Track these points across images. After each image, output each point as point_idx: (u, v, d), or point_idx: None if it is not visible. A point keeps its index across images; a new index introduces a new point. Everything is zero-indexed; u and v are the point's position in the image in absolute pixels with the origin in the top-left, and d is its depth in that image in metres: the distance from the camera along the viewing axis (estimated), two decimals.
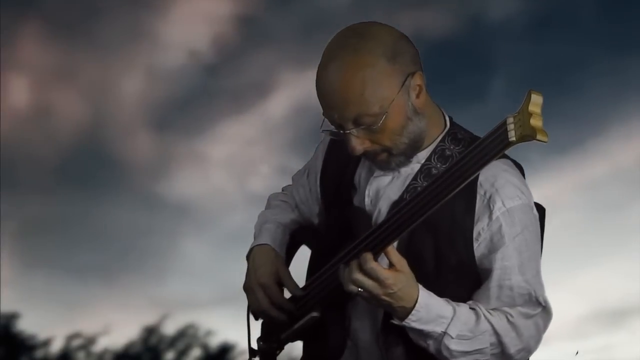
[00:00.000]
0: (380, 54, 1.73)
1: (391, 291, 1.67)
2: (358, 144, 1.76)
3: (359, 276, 1.69)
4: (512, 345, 1.78)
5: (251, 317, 2.03)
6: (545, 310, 1.82)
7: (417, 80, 1.77)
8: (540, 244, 1.85)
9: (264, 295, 1.93)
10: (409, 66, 1.76)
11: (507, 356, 1.79)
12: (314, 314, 1.88)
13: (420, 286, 1.71)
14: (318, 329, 1.89)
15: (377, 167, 1.84)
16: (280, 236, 2.04)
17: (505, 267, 1.76)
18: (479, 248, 1.77)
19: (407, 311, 1.70)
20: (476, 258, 1.77)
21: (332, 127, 1.82)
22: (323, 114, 1.79)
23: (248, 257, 2.02)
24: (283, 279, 1.95)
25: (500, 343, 1.77)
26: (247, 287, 1.98)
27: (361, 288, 1.69)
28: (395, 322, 1.72)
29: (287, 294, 1.96)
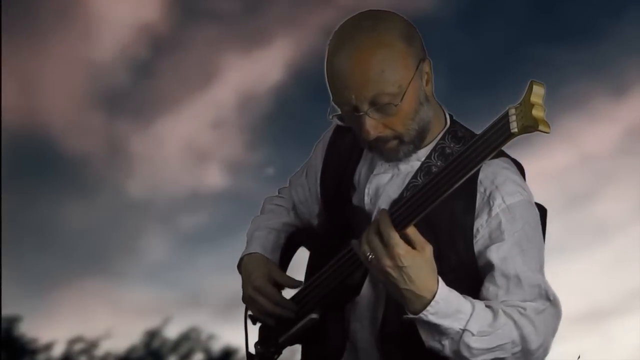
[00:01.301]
0: (397, 35, 1.72)
1: (400, 264, 1.58)
2: (372, 127, 1.73)
3: (373, 237, 1.62)
4: (533, 340, 1.69)
5: (249, 321, 2.01)
6: (553, 305, 1.75)
7: (427, 67, 1.76)
8: (542, 240, 1.81)
9: (263, 298, 1.91)
10: (420, 52, 1.76)
11: (528, 353, 1.70)
12: (313, 315, 1.85)
13: (440, 278, 1.63)
14: (317, 332, 1.86)
15: (384, 157, 1.81)
16: (272, 241, 2.01)
17: (506, 259, 1.71)
18: (477, 244, 1.73)
19: (422, 302, 1.61)
20: (475, 254, 1.73)
21: (340, 120, 1.80)
22: (333, 100, 1.76)
23: (239, 267, 2.00)
24: (277, 279, 1.93)
25: (521, 337, 1.68)
26: (245, 297, 1.95)
27: (372, 251, 1.61)
28: (410, 316, 1.63)
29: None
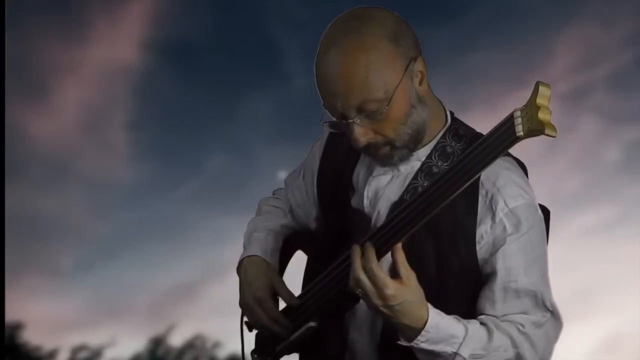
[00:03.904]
0: (382, 36, 1.65)
1: (391, 304, 1.57)
2: (362, 134, 1.67)
3: (362, 275, 1.58)
4: (530, 358, 1.68)
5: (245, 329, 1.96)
6: (554, 317, 1.73)
7: (419, 66, 1.69)
8: (546, 246, 1.76)
9: (261, 311, 1.86)
10: (411, 50, 1.69)
11: None
12: (312, 324, 1.80)
13: (429, 305, 1.61)
14: (315, 340, 1.81)
15: (379, 162, 1.76)
16: (271, 244, 1.96)
17: (510, 269, 1.68)
18: (481, 251, 1.68)
19: (414, 332, 1.60)
20: (479, 261, 1.69)
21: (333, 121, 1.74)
22: (324, 105, 1.70)
23: (238, 270, 1.95)
24: (278, 290, 1.88)
25: (517, 356, 1.67)
26: (242, 304, 1.90)
27: (362, 290, 1.59)
28: (403, 343, 1.62)
29: (281, 304, 1.90)
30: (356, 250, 1.61)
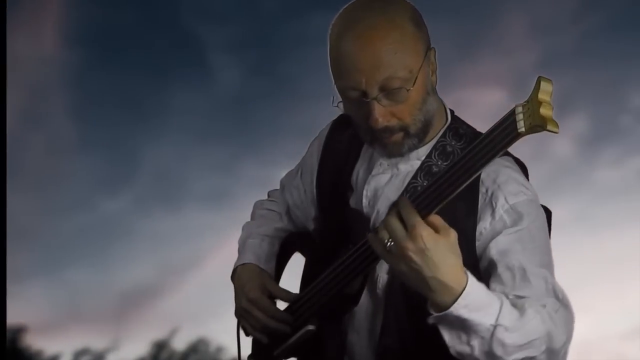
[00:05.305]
0: (408, 18, 1.64)
1: (422, 246, 1.42)
2: (381, 114, 1.63)
3: (393, 219, 1.46)
4: (557, 339, 1.55)
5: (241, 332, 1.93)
6: (564, 306, 1.60)
7: (432, 57, 1.68)
8: (549, 242, 1.69)
9: (258, 310, 1.83)
10: (428, 39, 1.68)
11: (552, 352, 1.55)
12: (310, 327, 1.77)
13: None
14: (313, 344, 1.78)
15: (387, 152, 1.71)
16: (266, 250, 1.93)
17: (506, 252, 1.58)
18: (479, 248, 1.63)
19: (448, 293, 1.44)
20: (478, 257, 1.62)
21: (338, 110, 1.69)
22: (338, 85, 1.66)
23: (232, 278, 1.92)
24: (272, 291, 1.85)
25: (547, 334, 1.53)
26: (238, 310, 1.88)
27: (391, 235, 1.46)
28: (436, 314, 1.46)
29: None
30: (399, 201, 1.50)
